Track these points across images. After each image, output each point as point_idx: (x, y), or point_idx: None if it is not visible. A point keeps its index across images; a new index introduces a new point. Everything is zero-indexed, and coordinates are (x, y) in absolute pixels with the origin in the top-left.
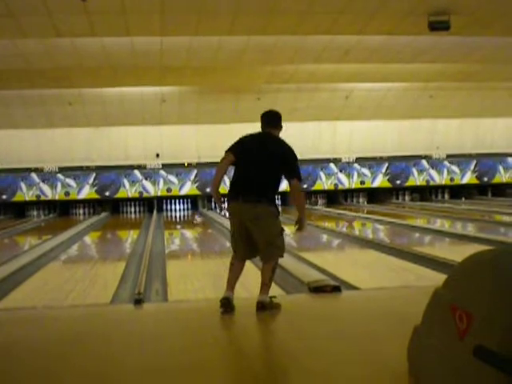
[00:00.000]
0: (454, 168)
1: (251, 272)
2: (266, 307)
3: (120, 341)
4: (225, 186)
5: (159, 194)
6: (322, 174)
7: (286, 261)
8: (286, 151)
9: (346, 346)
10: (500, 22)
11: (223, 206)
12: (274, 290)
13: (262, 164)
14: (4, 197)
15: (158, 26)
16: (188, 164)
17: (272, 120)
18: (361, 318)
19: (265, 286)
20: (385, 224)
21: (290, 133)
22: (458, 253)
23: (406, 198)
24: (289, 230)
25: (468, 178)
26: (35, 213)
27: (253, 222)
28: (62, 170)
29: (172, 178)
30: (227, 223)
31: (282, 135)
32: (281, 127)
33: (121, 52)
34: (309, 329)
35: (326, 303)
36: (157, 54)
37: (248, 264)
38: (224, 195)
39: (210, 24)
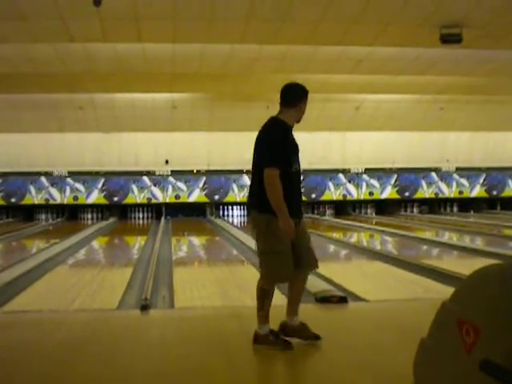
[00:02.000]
0: (463, 181)
1: (257, 278)
2: (258, 339)
3: (126, 346)
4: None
5: (167, 200)
6: (330, 185)
7: None
8: (260, 136)
9: (352, 357)
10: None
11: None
12: (280, 299)
13: (253, 163)
14: (13, 200)
15: (170, 32)
16: (197, 171)
17: (283, 97)
18: (367, 329)
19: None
20: (393, 236)
21: (300, 142)
22: (466, 266)
23: (415, 210)
24: None
25: (477, 191)
26: (43, 216)
27: (252, 233)
28: (71, 174)
29: (181, 184)
30: (234, 231)
31: None
32: (294, 105)
33: (133, 58)
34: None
35: (332, 314)
36: (169, 60)
37: (253, 271)
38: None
39: (222, 31)
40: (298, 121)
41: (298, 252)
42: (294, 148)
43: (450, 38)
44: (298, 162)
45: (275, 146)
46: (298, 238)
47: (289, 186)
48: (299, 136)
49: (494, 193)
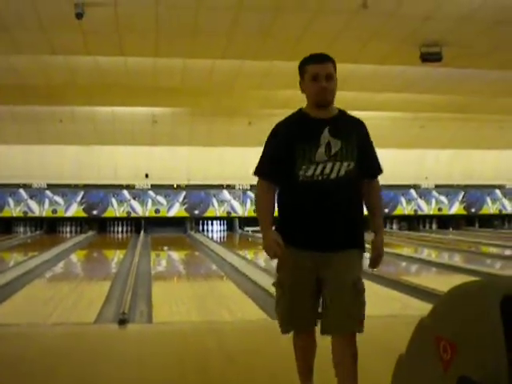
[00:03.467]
0: (442, 198)
1: (235, 294)
2: None
3: (102, 361)
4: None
5: (147, 214)
6: None
7: (270, 285)
8: None
9: (329, 373)
10: (492, 56)
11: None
12: (259, 314)
13: None
14: None
15: (153, 46)
16: (177, 185)
17: None
18: None
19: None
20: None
21: None
22: (444, 283)
23: (394, 226)
24: None
25: (456, 208)
26: (22, 229)
27: None
28: (50, 186)
29: (160, 198)
30: (214, 246)
31: None
32: (301, 79)
33: (114, 71)
34: (291, 353)
35: None
36: (150, 74)
37: (233, 286)
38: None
39: (204, 46)
40: (319, 103)
41: (323, 301)
42: (309, 144)
43: (430, 57)
44: (328, 167)
45: (264, 149)
46: (324, 281)
47: (294, 201)
48: None
49: (473, 210)
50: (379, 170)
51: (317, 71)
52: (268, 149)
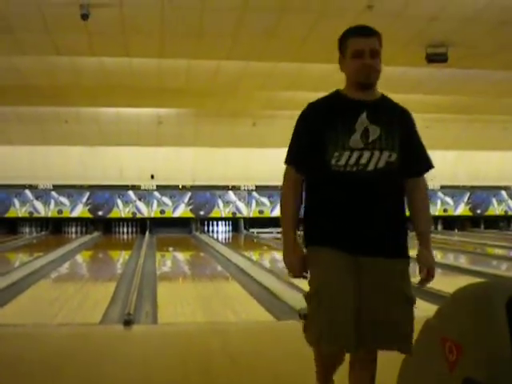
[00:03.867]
0: (448, 199)
1: (240, 295)
2: None
3: (107, 362)
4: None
5: (152, 215)
6: None
7: (275, 286)
8: None
9: (336, 374)
10: (497, 56)
11: None
12: (264, 316)
13: None
14: None
15: (158, 47)
16: (182, 186)
17: None
18: None
19: None
20: None
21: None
22: (449, 284)
23: None
24: None
25: (461, 209)
26: (27, 230)
27: None
28: (56, 187)
29: (166, 199)
30: (219, 247)
31: (274, 160)
32: (341, 55)
33: (119, 72)
34: (298, 354)
35: None
36: (155, 75)
37: (238, 287)
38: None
39: (209, 47)
40: (360, 83)
41: (362, 316)
42: (343, 128)
43: (436, 58)
44: (365, 156)
45: (293, 134)
46: (366, 293)
47: (323, 197)
48: (284, 153)
49: (478, 211)
50: (429, 165)
51: (360, 46)
52: (297, 134)
